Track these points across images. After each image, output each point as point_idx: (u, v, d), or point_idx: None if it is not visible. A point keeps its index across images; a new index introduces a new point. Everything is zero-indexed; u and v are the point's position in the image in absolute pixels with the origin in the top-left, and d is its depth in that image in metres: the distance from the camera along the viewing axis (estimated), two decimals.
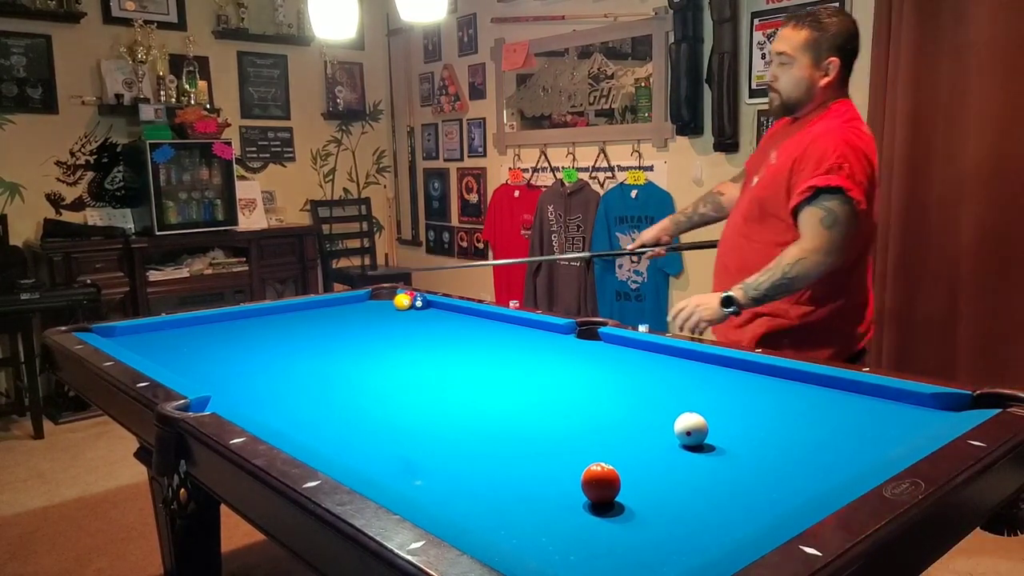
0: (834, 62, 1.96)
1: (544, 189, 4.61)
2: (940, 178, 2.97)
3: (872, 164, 1.93)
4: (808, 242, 1.86)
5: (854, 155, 1.87)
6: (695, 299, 1.98)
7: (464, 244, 5.40)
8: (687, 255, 3.94)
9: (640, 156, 4.10)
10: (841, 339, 2.04)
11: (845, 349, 2.04)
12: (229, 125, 4.86)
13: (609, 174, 4.28)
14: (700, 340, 2.03)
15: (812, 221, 1.86)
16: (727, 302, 1.91)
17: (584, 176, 4.39)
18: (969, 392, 1.51)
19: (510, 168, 4.84)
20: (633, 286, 4.17)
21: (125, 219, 4.63)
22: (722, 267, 2.20)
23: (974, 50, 2.82)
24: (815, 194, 1.86)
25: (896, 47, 2.98)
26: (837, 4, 3.22)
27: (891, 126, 3.03)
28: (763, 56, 3.48)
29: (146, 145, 4.35)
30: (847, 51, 1.98)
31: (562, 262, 4.48)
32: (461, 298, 2.76)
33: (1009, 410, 1.41)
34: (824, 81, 1.97)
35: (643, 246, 2.50)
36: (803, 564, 0.88)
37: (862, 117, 2.08)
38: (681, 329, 1.96)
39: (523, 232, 4.76)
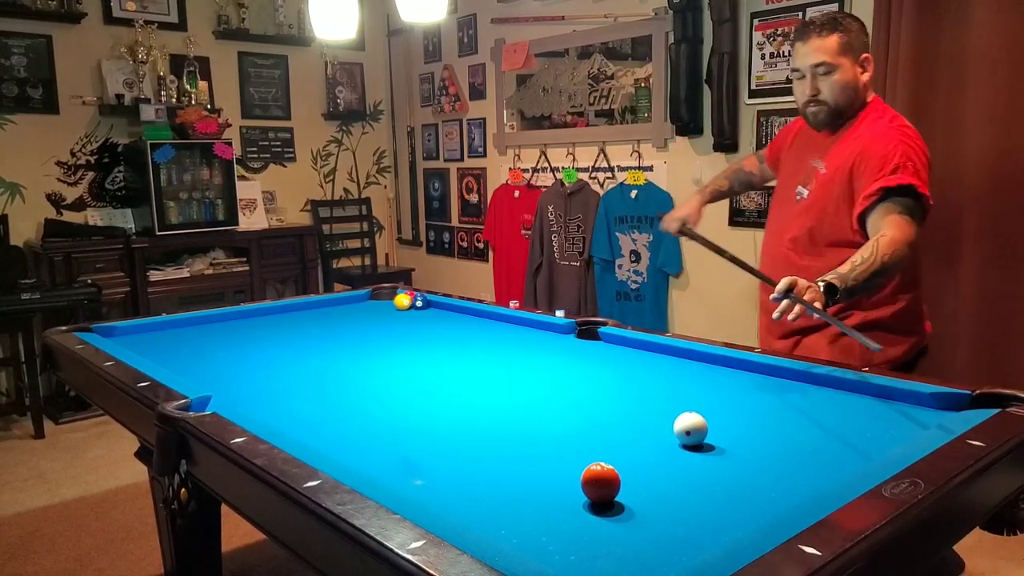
0: (868, 58, 1.95)
1: (544, 189, 4.61)
2: (939, 177, 2.95)
3: (928, 157, 1.88)
4: (897, 233, 1.73)
5: (914, 152, 1.84)
6: (804, 282, 1.64)
7: (464, 244, 5.40)
8: (689, 255, 3.95)
9: (640, 156, 4.10)
10: (919, 328, 2.04)
11: (921, 340, 2.03)
12: (230, 125, 4.86)
13: (609, 174, 4.28)
14: (700, 340, 2.03)
15: (892, 215, 1.77)
16: (830, 291, 1.62)
17: (584, 176, 4.39)
18: (968, 392, 1.51)
19: (510, 168, 4.84)
20: (633, 286, 4.18)
21: (126, 219, 4.63)
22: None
23: (974, 50, 2.82)
24: (884, 195, 1.79)
25: (895, 46, 2.98)
26: (837, 5, 3.22)
27: None
28: (763, 57, 3.49)
29: (147, 145, 4.35)
30: (867, 45, 1.98)
31: (561, 262, 4.48)
32: (461, 298, 2.76)
33: (1008, 410, 1.41)
34: (866, 78, 1.95)
35: (682, 231, 2.25)
36: (803, 563, 0.88)
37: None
38: (781, 318, 1.59)
39: (523, 232, 4.76)
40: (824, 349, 1.96)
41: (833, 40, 1.91)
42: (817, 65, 1.92)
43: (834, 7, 3.22)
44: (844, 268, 1.67)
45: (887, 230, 1.74)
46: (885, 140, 1.85)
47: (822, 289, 1.59)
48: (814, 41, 1.93)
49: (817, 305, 1.54)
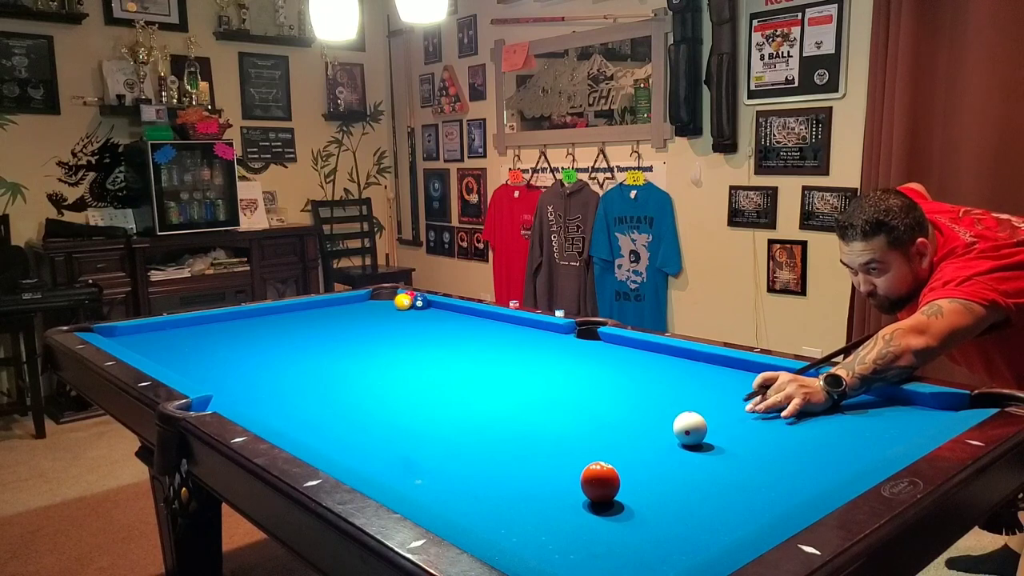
0: (923, 243, 1.82)
1: (544, 190, 4.62)
2: (939, 175, 2.98)
3: (1009, 264, 1.73)
4: (905, 322, 1.67)
5: (973, 268, 1.72)
6: (786, 376, 1.60)
7: (464, 244, 5.40)
8: (688, 255, 3.95)
9: (639, 157, 4.10)
10: None
11: None
12: (230, 126, 4.86)
13: (608, 175, 4.28)
14: (699, 340, 2.03)
15: (915, 313, 1.71)
16: (833, 382, 1.55)
17: (583, 177, 4.40)
18: (967, 392, 1.51)
19: (510, 169, 4.84)
20: (632, 286, 4.18)
21: (127, 219, 4.64)
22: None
23: (972, 47, 2.82)
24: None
25: (895, 45, 2.99)
26: (836, 6, 3.22)
27: (889, 123, 3.03)
28: (762, 57, 3.49)
29: (148, 146, 4.36)
30: (922, 224, 1.84)
31: (561, 262, 4.48)
32: (461, 298, 2.77)
33: (1007, 410, 1.41)
34: (925, 263, 1.83)
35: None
36: (802, 562, 0.88)
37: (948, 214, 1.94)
38: (769, 411, 1.55)
39: (523, 232, 4.77)
40: None
41: (879, 241, 1.80)
42: (866, 263, 1.84)
43: (834, 8, 3.22)
44: (849, 359, 1.63)
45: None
46: (937, 274, 1.80)
47: (821, 381, 1.55)
48: (856, 245, 1.83)
49: (797, 401, 1.50)
